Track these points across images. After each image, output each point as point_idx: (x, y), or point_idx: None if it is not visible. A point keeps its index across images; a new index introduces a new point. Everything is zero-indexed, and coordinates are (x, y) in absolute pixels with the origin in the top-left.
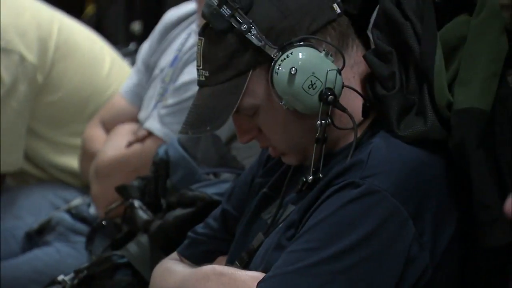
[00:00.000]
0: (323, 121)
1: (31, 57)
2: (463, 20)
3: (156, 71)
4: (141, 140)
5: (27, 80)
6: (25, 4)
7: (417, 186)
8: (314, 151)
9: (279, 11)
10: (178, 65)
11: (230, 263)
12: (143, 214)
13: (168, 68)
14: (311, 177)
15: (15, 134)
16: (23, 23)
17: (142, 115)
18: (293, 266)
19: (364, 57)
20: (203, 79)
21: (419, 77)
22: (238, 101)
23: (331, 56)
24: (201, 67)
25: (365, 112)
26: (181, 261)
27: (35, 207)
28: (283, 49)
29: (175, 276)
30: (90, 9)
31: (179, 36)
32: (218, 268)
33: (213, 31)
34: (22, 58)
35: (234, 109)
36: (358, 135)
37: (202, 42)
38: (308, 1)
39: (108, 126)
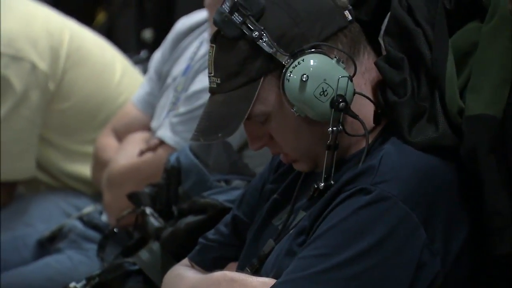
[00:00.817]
0: (335, 128)
1: (42, 65)
2: (474, 27)
3: (169, 80)
4: (153, 148)
5: (39, 88)
6: (36, 13)
7: (428, 193)
8: (325, 158)
9: (291, 18)
10: (190, 74)
11: (240, 269)
12: (154, 221)
13: (181, 77)
14: (322, 184)
15: (27, 142)
16: (35, 32)
17: (154, 124)
18: (304, 272)
19: (376, 64)
20: (215, 86)
21: (430, 83)
22: (250, 108)
23: (342, 63)
24: (212, 74)
25: (377, 118)
26: (192, 267)
27: (47, 214)
28: (294, 56)
29: (186, 282)
30: (101, 17)
31: (191, 45)
32: (229, 274)
33: (224, 38)
34: (34, 66)
35: (246, 116)
36: (369, 141)
37: (214, 49)
38: (319, 8)
39: (120, 135)
